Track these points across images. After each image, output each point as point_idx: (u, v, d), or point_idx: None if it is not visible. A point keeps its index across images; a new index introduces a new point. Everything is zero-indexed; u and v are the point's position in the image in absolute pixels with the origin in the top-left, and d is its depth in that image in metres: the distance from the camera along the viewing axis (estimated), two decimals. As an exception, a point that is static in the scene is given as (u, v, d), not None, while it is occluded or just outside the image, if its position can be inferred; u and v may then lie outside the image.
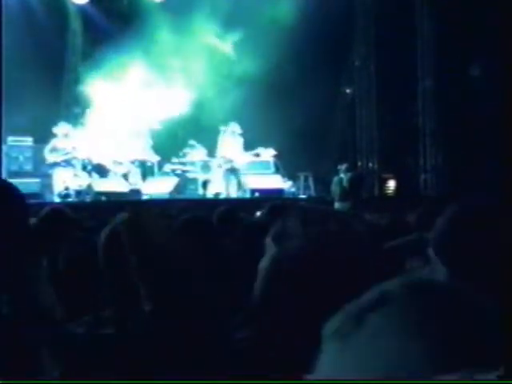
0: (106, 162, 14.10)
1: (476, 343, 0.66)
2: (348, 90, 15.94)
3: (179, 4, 14.67)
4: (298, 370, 0.84)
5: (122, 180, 14.06)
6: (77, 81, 15.40)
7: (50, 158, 13.69)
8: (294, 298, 1.22)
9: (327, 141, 15.56)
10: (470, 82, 13.85)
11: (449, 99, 14.06)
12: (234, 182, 14.10)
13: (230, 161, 14.05)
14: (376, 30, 14.89)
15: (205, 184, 14.12)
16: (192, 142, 14.41)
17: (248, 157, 14.27)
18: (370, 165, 15.53)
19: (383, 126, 15.10)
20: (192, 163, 14.33)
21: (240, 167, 14.11)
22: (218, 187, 14.04)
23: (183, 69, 14.83)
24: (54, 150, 13.74)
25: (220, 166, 14.18)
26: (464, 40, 13.45)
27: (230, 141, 14.18)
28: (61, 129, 13.98)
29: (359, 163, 15.61)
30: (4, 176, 13.62)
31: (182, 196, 13.86)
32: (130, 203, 11.84)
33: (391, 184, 14.73)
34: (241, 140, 14.21)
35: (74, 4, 15.23)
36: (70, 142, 13.89)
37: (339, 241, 1.28)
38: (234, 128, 14.12)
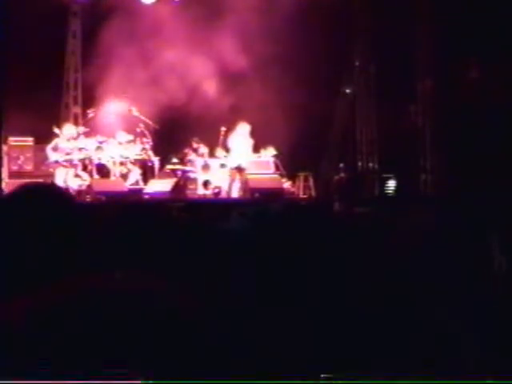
0: (107, 162, 14.11)
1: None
2: (348, 90, 15.95)
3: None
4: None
5: (122, 180, 14.08)
6: (77, 81, 15.43)
7: (52, 156, 13.74)
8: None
9: (327, 140, 15.57)
10: (470, 81, 13.87)
11: (449, 99, 14.07)
12: (237, 181, 14.11)
13: (237, 160, 14.05)
14: (376, 29, 14.89)
15: (205, 184, 14.14)
16: (195, 138, 14.38)
17: (251, 157, 14.29)
18: (371, 165, 15.54)
19: (383, 126, 15.11)
20: (192, 163, 14.31)
21: (247, 167, 14.13)
22: (219, 187, 14.07)
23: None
24: (55, 149, 13.78)
25: (224, 166, 14.18)
26: (464, 40, 13.46)
27: (238, 140, 14.18)
28: (63, 129, 14.04)
29: (359, 163, 15.63)
30: (5, 176, 13.66)
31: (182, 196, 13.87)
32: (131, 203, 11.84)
33: (391, 183, 14.75)
34: (249, 141, 14.21)
35: (74, 5, 15.24)
36: (71, 142, 13.93)
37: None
38: (243, 128, 14.12)
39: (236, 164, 14.06)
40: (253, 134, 14.16)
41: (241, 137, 14.18)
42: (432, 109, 14.69)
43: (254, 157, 14.30)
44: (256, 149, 14.38)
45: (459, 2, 13.51)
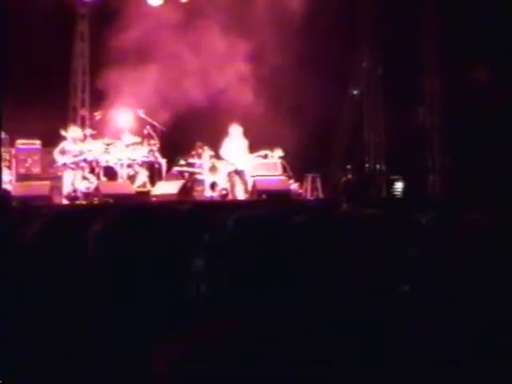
0: (114, 165, 14.13)
1: None
2: (355, 92, 15.93)
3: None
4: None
5: (130, 182, 14.09)
6: (85, 84, 15.47)
7: (60, 160, 13.76)
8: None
9: (335, 142, 15.55)
10: (478, 83, 13.83)
11: (456, 100, 14.04)
12: (239, 184, 14.10)
13: (233, 163, 14.05)
14: (383, 31, 14.87)
15: (213, 186, 14.14)
16: (199, 143, 14.40)
17: (253, 158, 14.27)
18: (378, 166, 15.52)
19: (391, 128, 15.09)
20: (199, 165, 14.32)
21: (245, 169, 14.10)
22: (226, 189, 14.06)
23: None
24: (63, 152, 13.80)
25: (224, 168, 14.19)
26: (472, 40, 13.43)
27: (233, 143, 14.18)
28: (70, 131, 14.07)
29: (367, 165, 15.60)
30: (12, 179, 13.68)
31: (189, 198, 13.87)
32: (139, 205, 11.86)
33: (399, 185, 14.72)
34: (244, 142, 14.20)
35: (82, 7, 15.28)
36: (78, 144, 13.95)
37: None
38: (236, 130, 14.12)
39: (232, 168, 14.06)
40: (260, 135, 14.13)
41: (235, 139, 14.17)
42: (440, 110, 14.66)
43: (252, 157, 14.27)
44: (261, 150, 14.35)
45: (467, 2, 13.48)
